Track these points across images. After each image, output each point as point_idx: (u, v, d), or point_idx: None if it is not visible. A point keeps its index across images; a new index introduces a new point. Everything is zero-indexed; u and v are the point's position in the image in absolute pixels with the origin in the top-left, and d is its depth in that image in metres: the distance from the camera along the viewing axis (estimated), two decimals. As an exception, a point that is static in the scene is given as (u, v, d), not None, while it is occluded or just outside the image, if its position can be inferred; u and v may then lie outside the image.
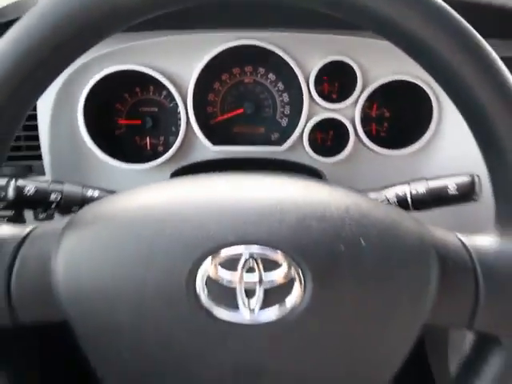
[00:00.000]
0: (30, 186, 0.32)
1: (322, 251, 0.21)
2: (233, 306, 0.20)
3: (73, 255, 0.22)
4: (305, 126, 0.47)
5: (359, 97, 0.45)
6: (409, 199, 0.34)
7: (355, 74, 0.44)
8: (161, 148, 0.52)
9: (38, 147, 0.44)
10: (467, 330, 0.24)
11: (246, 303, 0.20)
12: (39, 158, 0.44)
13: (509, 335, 0.24)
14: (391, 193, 0.35)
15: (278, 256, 0.20)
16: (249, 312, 0.20)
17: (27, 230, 0.23)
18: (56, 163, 0.44)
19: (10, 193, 0.32)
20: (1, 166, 0.22)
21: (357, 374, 0.24)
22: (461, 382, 0.26)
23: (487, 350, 0.24)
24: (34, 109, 0.43)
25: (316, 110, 0.47)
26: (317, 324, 0.22)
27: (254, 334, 0.21)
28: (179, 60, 0.45)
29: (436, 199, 0.34)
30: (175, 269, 0.20)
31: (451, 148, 0.45)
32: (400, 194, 0.35)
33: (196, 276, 0.20)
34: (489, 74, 0.21)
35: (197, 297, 0.20)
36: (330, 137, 0.52)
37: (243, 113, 0.51)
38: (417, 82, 0.44)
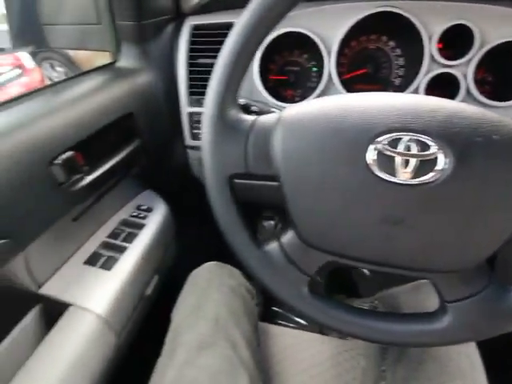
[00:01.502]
0: (240, 100, 0.48)
1: (462, 140, 0.26)
2: (393, 171, 0.28)
3: (284, 132, 0.31)
4: (422, 79, 0.57)
5: (475, 55, 0.54)
6: None
7: (473, 36, 0.53)
8: (297, 98, 0.67)
9: None
10: None
11: (403, 170, 0.27)
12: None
13: None
14: None
15: (429, 141, 0.27)
16: (404, 176, 0.27)
17: (255, 116, 0.34)
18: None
19: None
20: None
21: (469, 241, 0.29)
22: None
23: None
24: None
25: (433, 66, 0.57)
26: (452, 191, 0.27)
27: (406, 191, 0.28)
28: (327, 25, 0.58)
29: None
30: (355, 143, 0.28)
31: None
32: None
33: (368, 149, 0.28)
34: None
35: (368, 163, 0.28)
36: (441, 93, 0.61)
37: (366, 72, 0.64)
38: None
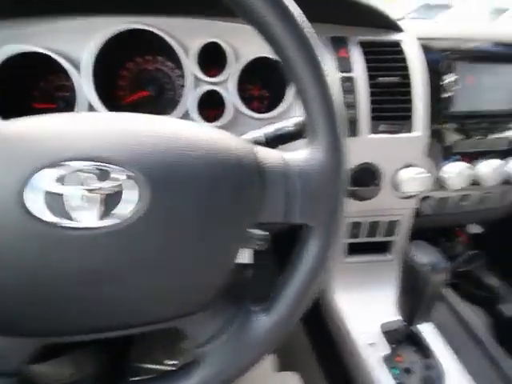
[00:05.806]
0: None
1: (155, 164, 0.21)
2: (65, 215, 0.20)
3: None
4: (189, 99, 0.52)
5: (233, 71, 0.51)
6: (263, 138, 0.40)
7: (225, 54, 0.51)
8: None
9: None
10: (285, 223, 0.26)
11: (76, 212, 0.20)
12: None
13: (314, 220, 0.27)
14: (249, 136, 0.41)
15: (108, 169, 0.20)
16: (85, 217, 0.20)
17: None
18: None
19: None
20: None
21: (189, 278, 0.24)
22: (290, 267, 0.28)
23: (305, 237, 0.27)
24: None
25: (199, 85, 0.52)
26: (149, 227, 0.21)
27: (93, 237, 0.20)
28: (73, 43, 0.47)
29: (280, 136, 0.40)
30: (8, 185, 0.20)
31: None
32: (256, 135, 0.41)
33: (25, 189, 0.19)
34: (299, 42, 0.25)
35: (29, 209, 0.19)
36: (215, 110, 0.55)
37: (148, 95, 0.56)
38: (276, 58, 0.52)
